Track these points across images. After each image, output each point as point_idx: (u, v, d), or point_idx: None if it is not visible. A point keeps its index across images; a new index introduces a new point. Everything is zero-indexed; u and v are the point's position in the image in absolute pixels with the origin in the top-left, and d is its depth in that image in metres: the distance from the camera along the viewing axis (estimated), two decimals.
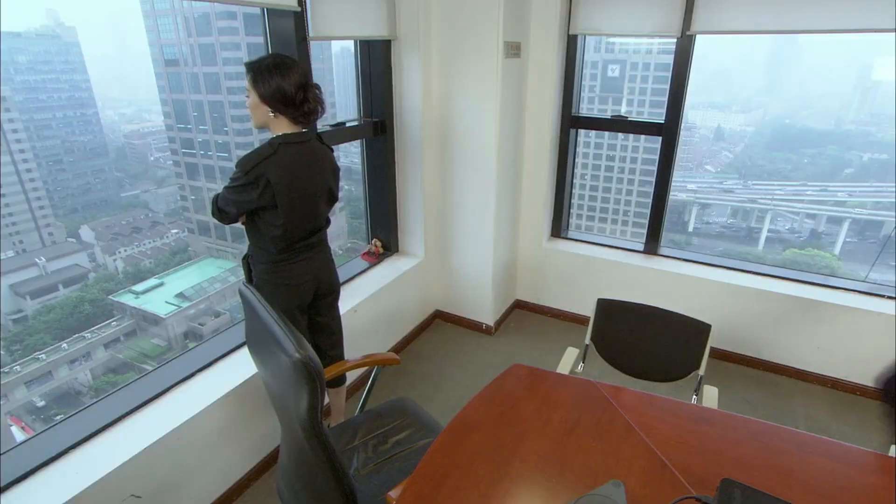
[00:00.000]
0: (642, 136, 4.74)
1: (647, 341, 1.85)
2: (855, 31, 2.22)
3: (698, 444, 1.32)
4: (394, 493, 1.19)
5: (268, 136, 1.65)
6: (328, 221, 1.85)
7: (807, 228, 7.84)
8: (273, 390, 1.24)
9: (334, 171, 1.79)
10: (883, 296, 2.59)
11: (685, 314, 1.81)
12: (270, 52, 2.06)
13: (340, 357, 2.06)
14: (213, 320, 7.03)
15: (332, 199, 1.81)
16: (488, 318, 3.14)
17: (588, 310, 1.99)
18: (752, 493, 1.00)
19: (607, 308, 1.91)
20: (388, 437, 1.60)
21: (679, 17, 2.51)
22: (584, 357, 1.93)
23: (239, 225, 1.71)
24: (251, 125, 1.68)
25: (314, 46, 2.11)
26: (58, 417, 1.69)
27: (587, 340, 1.93)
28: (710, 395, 1.70)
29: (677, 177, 2.89)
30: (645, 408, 1.46)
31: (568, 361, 1.87)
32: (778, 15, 2.33)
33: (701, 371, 1.75)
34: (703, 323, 1.77)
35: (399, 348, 2.99)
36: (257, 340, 1.22)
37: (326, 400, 2.26)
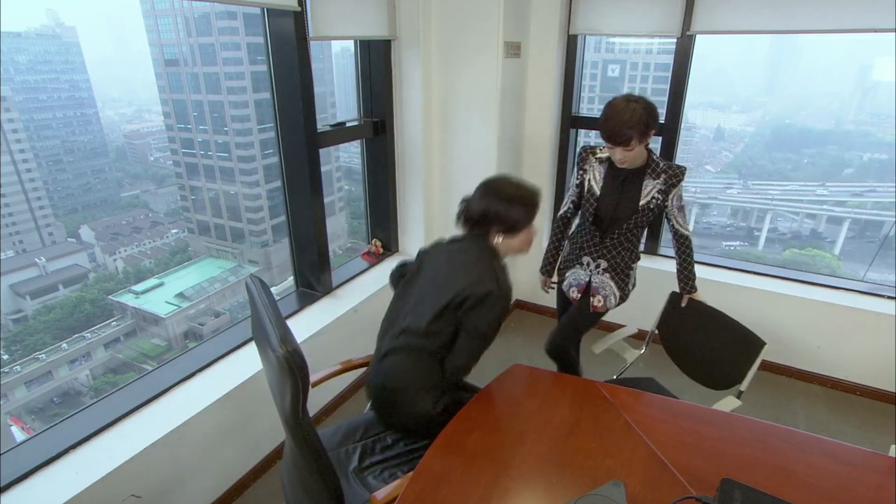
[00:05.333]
0: None
1: (705, 343, 1.90)
2: (855, 31, 2.22)
3: (698, 444, 1.32)
4: (379, 495, 1.19)
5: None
6: None
7: (807, 228, 7.84)
8: (271, 383, 1.24)
9: None
10: (883, 296, 2.59)
11: (745, 325, 1.77)
12: (271, 52, 2.05)
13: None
14: (213, 320, 7.03)
15: None
16: None
17: None
18: (752, 493, 1.00)
19: (677, 301, 2.01)
20: (388, 437, 1.60)
21: (679, 17, 2.51)
22: (647, 342, 2.07)
23: None
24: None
25: (314, 46, 2.11)
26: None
27: (654, 328, 2.04)
28: (728, 404, 1.63)
29: None
30: (645, 408, 1.46)
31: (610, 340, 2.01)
32: (778, 15, 2.32)
33: (742, 387, 1.71)
34: (758, 338, 1.72)
35: None
36: (257, 335, 1.22)
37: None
